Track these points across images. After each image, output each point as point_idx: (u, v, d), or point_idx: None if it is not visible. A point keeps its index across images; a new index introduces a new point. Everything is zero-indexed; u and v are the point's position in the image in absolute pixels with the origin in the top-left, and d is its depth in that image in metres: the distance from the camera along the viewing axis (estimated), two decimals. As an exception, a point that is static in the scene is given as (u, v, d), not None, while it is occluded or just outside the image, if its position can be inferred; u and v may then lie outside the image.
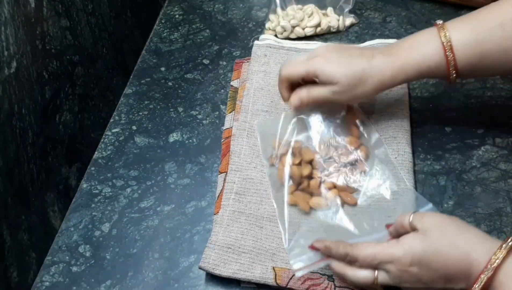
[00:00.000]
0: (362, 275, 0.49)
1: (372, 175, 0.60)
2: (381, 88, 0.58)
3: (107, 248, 0.59)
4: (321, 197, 0.59)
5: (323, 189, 0.59)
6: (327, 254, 0.51)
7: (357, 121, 0.64)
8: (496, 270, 0.44)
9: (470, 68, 0.56)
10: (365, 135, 0.63)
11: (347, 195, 0.59)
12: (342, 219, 0.57)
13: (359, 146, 0.62)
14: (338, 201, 0.58)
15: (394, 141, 0.63)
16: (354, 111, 0.64)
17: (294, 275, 0.53)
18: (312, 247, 0.51)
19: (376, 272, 0.49)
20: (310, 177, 0.60)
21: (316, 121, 0.64)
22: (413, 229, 0.48)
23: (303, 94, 0.61)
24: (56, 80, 0.75)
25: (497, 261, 0.44)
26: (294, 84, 0.62)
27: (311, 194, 0.60)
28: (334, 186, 0.60)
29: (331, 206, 0.58)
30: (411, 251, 0.47)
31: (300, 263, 0.52)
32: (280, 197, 0.59)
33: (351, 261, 0.49)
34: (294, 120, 0.64)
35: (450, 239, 0.46)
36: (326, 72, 0.58)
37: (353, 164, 0.61)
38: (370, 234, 0.54)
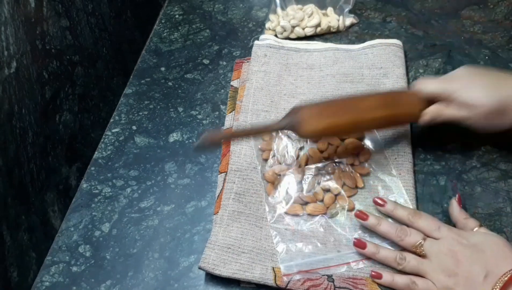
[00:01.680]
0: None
1: (370, 185, 0.60)
2: None
3: (107, 248, 0.59)
4: (317, 203, 0.59)
5: (320, 192, 0.59)
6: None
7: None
8: None
9: None
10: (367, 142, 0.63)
11: (344, 201, 0.58)
12: (337, 224, 0.57)
13: (362, 149, 0.62)
14: (337, 205, 0.58)
15: (394, 141, 0.63)
16: None
17: (293, 276, 0.53)
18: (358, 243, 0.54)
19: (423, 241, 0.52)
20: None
21: None
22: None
23: (434, 111, 0.57)
24: (56, 80, 0.75)
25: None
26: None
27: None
28: (329, 190, 0.59)
29: (327, 211, 0.58)
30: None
31: (289, 269, 0.53)
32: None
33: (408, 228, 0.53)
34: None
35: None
36: (467, 94, 0.54)
37: (354, 165, 0.61)
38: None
